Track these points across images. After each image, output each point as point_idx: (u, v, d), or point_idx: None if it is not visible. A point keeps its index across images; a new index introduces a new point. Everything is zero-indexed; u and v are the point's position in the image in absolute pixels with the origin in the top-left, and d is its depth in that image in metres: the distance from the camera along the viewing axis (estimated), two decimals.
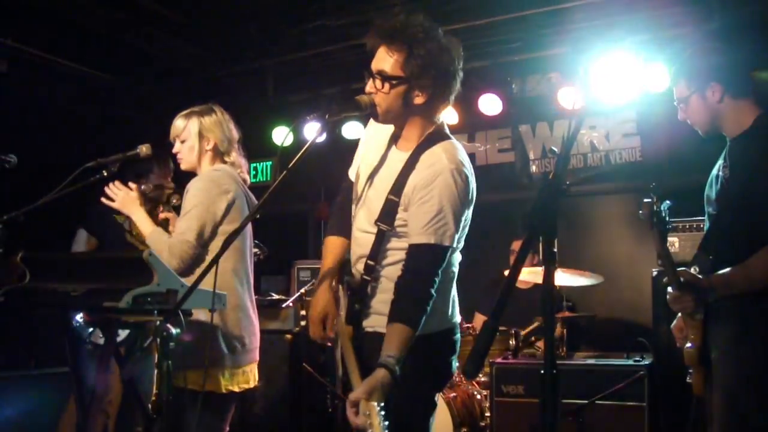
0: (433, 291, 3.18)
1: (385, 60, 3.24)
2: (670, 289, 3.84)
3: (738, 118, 3.80)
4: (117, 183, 4.54)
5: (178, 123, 4.62)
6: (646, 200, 3.84)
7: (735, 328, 3.65)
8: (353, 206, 3.54)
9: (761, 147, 3.65)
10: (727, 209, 3.71)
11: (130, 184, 4.59)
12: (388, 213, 3.31)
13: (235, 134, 4.73)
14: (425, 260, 3.21)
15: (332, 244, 3.62)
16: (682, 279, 3.74)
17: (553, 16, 7.33)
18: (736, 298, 3.61)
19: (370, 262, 3.35)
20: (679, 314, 3.95)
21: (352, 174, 3.65)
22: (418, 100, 3.29)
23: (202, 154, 4.60)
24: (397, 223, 3.30)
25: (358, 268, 3.41)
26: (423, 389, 3.40)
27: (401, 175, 3.33)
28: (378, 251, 3.33)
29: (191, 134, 4.58)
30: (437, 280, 3.21)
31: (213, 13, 7.62)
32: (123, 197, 4.52)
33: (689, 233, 6.15)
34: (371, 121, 3.50)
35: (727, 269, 3.63)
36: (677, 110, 3.97)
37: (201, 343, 4.03)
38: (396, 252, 3.32)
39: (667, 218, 3.87)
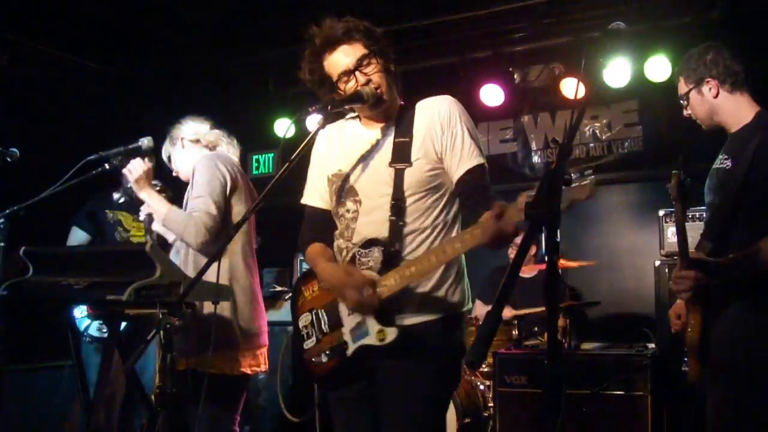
0: None
1: (354, 50, 3.38)
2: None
3: (736, 112, 3.88)
4: (139, 159, 4.53)
5: (164, 151, 4.77)
6: (674, 171, 3.86)
7: (736, 316, 3.66)
8: (339, 207, 3.50)
9: (764, 138, 3.67)
10: (729, 197, 3.72)
11: (147, 160, 4.59)
12: (401, 153, 3.36)
13: (203, 129, 4.80)
14: (484, 177, 3.36)
15: (318, 248, 3.57)
16: (690, 257, 3.76)
17: (554, 7, 7.33)
18: (738, 284, 3.62)
19: (397, 202, 3.32)
20: (678, 300, 3.98)
21: (313, 200, 3.64)
22: (396, 70, 3.49)
23: (192, 155, 4.66)
24: (413, 157, 3.34)
25: (374, 253, 3.33)
26: (453, 364, 3.43)
27: (400, 129, 3.42)
28: (402, 191, 3.33)
29: (177, 150, 4.71)
30: None
31: (214, 6, 7.61)
32: (141, 175, 4.50)
33: (691, 222, 6.13)
34: (317, 142, 3.65)
35: (733, 254, 3.65)
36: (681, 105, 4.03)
37: (216, 328, 4.05)
38: (419, 188, 3.34)
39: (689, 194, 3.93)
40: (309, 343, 3.49)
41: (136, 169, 4.49)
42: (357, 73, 3.36)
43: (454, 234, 3.40)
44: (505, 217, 2.82)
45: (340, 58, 3.38)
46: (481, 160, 3.36)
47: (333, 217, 3.56)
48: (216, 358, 4.11)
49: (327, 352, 3.42)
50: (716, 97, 3.87)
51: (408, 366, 3.26)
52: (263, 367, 4.49)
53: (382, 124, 3.48)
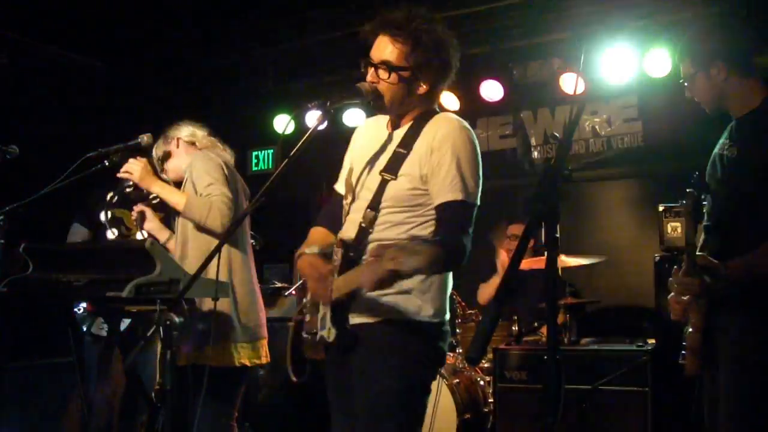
0: (468, 244, 3.21)
1: (389, 50, 3.30)
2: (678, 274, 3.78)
3: (744, 96, 3.72)
4: (131, 159, 4.52)
5: (154, 153, 4.75)
6: (689, 190, 3.76)
7: (747, 316, 3.62)
8: (348, 204, 3.52)
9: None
10: (736, 190, 3.65)
11: (139, 157, 4.58)
12: (394, 164, 3.35)
13: (192, 130, 4.83)
14: (458, 215, 3.24)
15: (318, 232, 3.61)
16: (698, 263, 3.68)
17: (554, 2, 7.32)
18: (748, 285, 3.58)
19: (370, 212, 3.33)
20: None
21: (339, 187, 3.65)
22: (421, 90, 3.36)
23: (185, 154, 4.68)
24: (400, 172, 3.31)
25: (338, 253, 3.36)
26: (419, 372, 3.39)
27: (405, 139, 3.39)
28: (379, 201, 3.33)
29: (175, 147, 4.74)
30: (470, 236, 3.25)
31: (213, 1, 7.61)
32: (142, 171, 4.51)
33: None
34: (358, 129, 3.66)
35: (742, 257, 3.55)
36: (682, 90, 3.92)
37: (215, 321, 4.06)
38: (396, 203, 3.31)
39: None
40: (306, 318, 3.53)
41: (133, 169, 4.50)
42: (373, 69, 3.34)
43: None
44: (381, 257, 2.82)
45: (376, 46, 3.34)
46: (459, 197, 3.24)
47: None
48: (216, 351, 4.13)
49: (310, 331, 3.46)
50: (725, 80, 3.70)
51: (356, 363, 3.31)
52: (264, 360, 4.51)
53: (400, 128, 3.46)
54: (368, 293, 3.19)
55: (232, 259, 4.40)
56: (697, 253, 3.71)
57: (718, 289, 3.59)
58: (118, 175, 4.55)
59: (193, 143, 4.74)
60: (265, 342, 4.54)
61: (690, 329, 3.76)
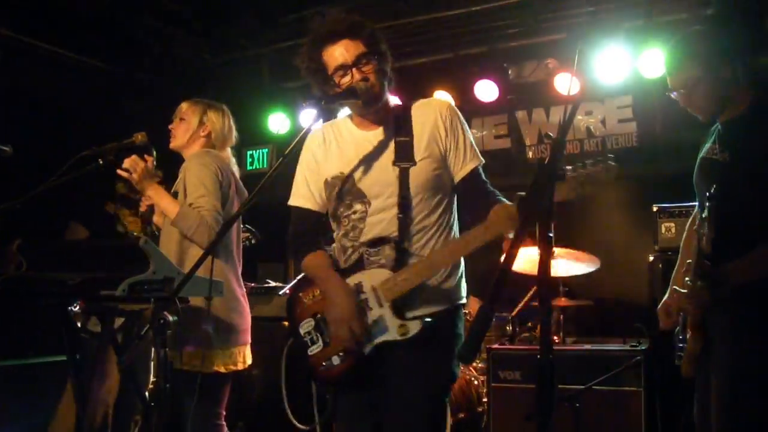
0: None
1: (355, 47, 3.41)
2: (687, 279, 3.78)
3: (736, 100, 3.74)
4: (135, 156, 4.49)
5: (185, 104, 4.68)
6: (710, 203, 3.71)
7: (736, 315, 3.64)
8: (340, 209, 3.54)
9: (765, 130, 3.62)
10: (731, 194, 3.65)
11: (146, 156, 4.53)
12: (404, 152, 3.44)
13: (232, 139, 4.78)
14: (485, 177, 3.54)
15: (321, 258, 3.59)
16: (704, 271, 3.68)
17: (549, 2, 7.33)
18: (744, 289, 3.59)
19: (403, 201, 3.40)
20: (666, 298, 4.00)
21: (307, 201, 3.64)
22: (389, 74, 3.53)
23: (196, 138, 4.63)
24: (417, 157, 3.43)
25: (384, 251, 3.40)
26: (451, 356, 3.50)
27: (399, 127, 3.49)
28: (407, 190, 3.40)
29: (192, 116, 4.63)
30: None
31: (209, 1, 7.60)
32: (142, 170, 4.45)
33: (685, 219, 6.14)
34: (310, 142, 3.66)
35: (741, 261, 3.58)
36: (675, 97, 3.91)
37: (190, 325, 4.04)
38: (426, 188, 3.43)
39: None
40: (314, 349, 3.50)
41: (134, 168, 4.44)
42: (354, 70, 3.39)
43: (455, 232, 3.55)
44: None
45: (340, 52, 3.40)
46: (482, 160, 3.53)
47: (331, 219, 3.61)
48: (187, 355, 4.11)
49: (340, 355, 3.43)
50: (731, 81, 3.71)
51: (427, 355, 3.36)
52: (240, 366, 4.46)
53: (377, 125, 3.53)
54: (432, 281, 3.39)
55: (214, 263, 4.32)
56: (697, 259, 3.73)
57: (721, 295, 3.61)
58: (118, 171, 4.50)
59: (209, 138, 4.69)
60: (244, 348, 4.50)
61: (688, 333, 3.77)
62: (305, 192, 3.63)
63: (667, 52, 3.94)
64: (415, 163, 3.41)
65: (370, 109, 3.47)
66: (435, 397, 3.43)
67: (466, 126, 3.55)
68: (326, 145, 3.62)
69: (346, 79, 3.40)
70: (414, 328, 3.29)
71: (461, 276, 3.57)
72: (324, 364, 3.47)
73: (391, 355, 3.36)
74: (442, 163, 3.47)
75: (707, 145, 3.83)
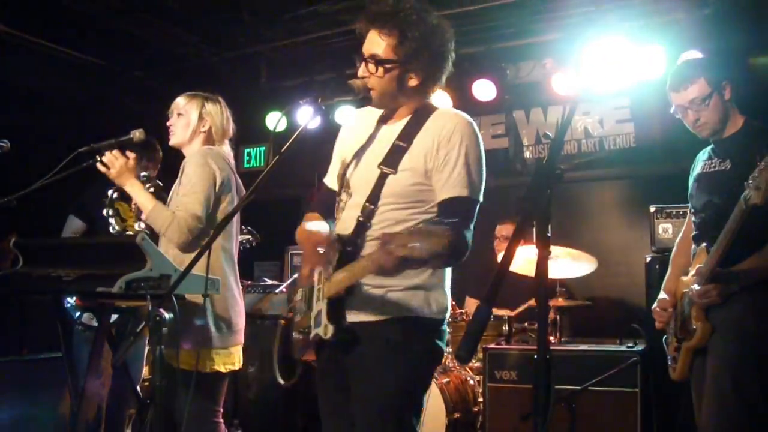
0: (470, 239, 3.17)
1: (377, 44, 3.23)
2: (695, 286, 3.87)
3: (733, 119, 3.98)
4: (116, 152, 4.46)
5: (180, 99, 4.63)
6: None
7: (738, 309, 3.72)
8: (343, 200, 3.46)
9: (760, 144, 3.73)
10: (732, 199, 3.71)
11: (128, 153, 4.50)
12: (393, 157, 3.29)
13: (230, 130, 4.75)
14: (463, 211, 3.20)
15: (315, 216, 3.55)
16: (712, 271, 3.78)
17: (547, 2, 7.33)
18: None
19: (369, 205, 3.27)
20: (661, 296, 4.15)
21: (330, 181, 3.59)
22: (412, 82, 3.30)
23: (196, 133, 4.60)
24: (401, 167, 3.26)
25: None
26: (421, 371, 3.37)
27: (404, 132, 3.33)
28: (378, 195, 3.27)
29: (191, 112, 4.59)
30: (472, 231, 3.21)
31: None
32: (121, 166, 4.41)
33: (682, 219, 6.14)
34: (347, 121, 3.57)
35: (750, 261, 3.73)
36: (680, 114, 4.03)
37: (190, 323, 4.03)
38: (397, 199, 3.26)
39: None
40: (298, 317, 3.48)
41: (112, 163, 4.41)
42: (364, 63, 3.28)
43: None
44: (389, 244, 2.74)
45: (366, 40, 3.28)
46: (464, 193, 3.21)
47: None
48: (186, 355, 4.10)
49: (301, 330, 3.41)
50: (728, 100, 3.93)
51: (354, 362, 3.27)
52: (237, 365, 4.45)
53: (394, 121, 3.42)
54: (372, 291, 3.21)
55: (212, 261, 4.30)
56: (696, 260, 3.84)
57: (730, 293, 3.71)
58: (97, 166, 4.47)
59: (209, 131, 4.67)
60: (240, 348, 4.49)
61: (697, 336, 3.85)
62: (332, 171, 3.58)
63: (675, 71, 4.08)
64: (395, 172, 3.25)
65: (375, 106, 3.41)
66: (378, 407, 3.23)
67: (469, 151, 3.23)
68: (355, 127, 3.55)
69: (359, 66, 3.31)
70: (330, 331, 3.14)
71: (429, 289, 3.29)
72: (293, 333, 3.47)
73: (347, 349, 3.27)
74: (424, 178, 3.24)
75: (702, 162, 3.99)
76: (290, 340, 3.51)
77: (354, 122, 3.61)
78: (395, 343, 3.22)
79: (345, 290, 3.17)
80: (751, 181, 3.35)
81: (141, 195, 4.38)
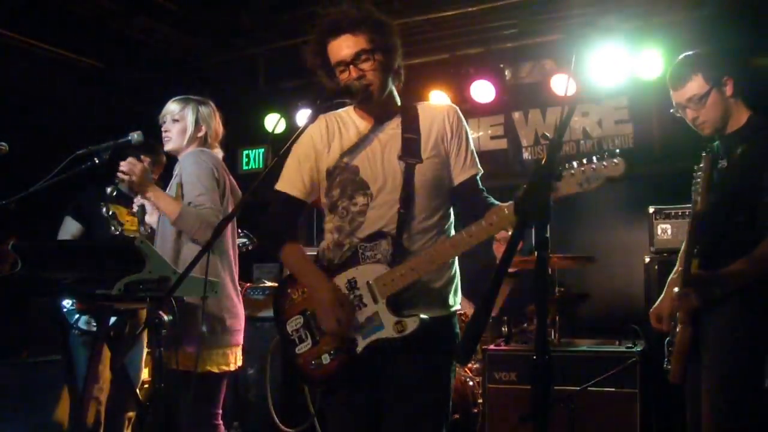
0: None
1: (355, 42, 3.32)
2: (676, 289, 3.86)
3: (737, 114, 3.87)
4: (132, 158, 4.43)
5: (174, 105, 4.62)
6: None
7: (731, 312, 3.68)
8: (342, 200, 3.43)
9: (763, 145, 3.70)
10: (726, 196, 3.70)
11: (143, 157, 4.49)
12: (410, 149, 3.39)
13: (221, 131, 4.74)
14: (481, 185, 3.50)
15: (297, 250, 3.54)
16: (699, 275, 3.74)
17: (546, 4, 7.34)
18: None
19: (406, 196, 3.34)
20: (658, 302, 4.08)
21: (294, 188, 3.50)
22: (395, 70, 3.46)
23: (193, 139, 4.59)
24: (424, 155, 3.40)
25: (381, 246, 3.32)
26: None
27: (406, 125, 3.45)
28: (411, 186, 3.35)
29: (187, 117, 4.59)
30: None
31: (205, 1, 7.60)
32: (142, 173, 4.37)
33: (681, 220, 6.15)
34: (314, 129, 3.53)
35: (736, 264, 3.65)
36: (678, 110, 3.98)
37: (184, 324, 4.02)
38: (428, 188, 3.38)
39: None
40: (303, 347, 3.42)
41: (133, 171, 4.38)
42: (352, 66, 3.32)
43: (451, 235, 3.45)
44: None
45: (341, 47, 3.33)
46: (480, 170, 3.50)
47: (327, 211, 3.51)
48: (182, 355, 4.09)
49: (330, 353, 3.36)
50: (732, 96, 3.83)
51: (428, 359, 3.32)
52: (233, 367, 4.42)
53: (382, 119, 3.47)
54: (434, 284, 3.35)
55: (210, 263, 4.28)
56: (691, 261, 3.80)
57: (714, 298, 3.66)
58: (118, 174, 4.44)
59: (204, 135, 4.65)
60: (237, 349, 4.47)
61: (679, 334, 3.81)
62: (295, 178, 3.50)
63: (673, 69, 4.00)
64: (421, 161, 3.36)
65: (368, 106, 3.43)
66: (440, 402, 3.38)
67: (470, 134, 3.53)
68: (329, 134, 3.52)
69: (344, 76, 3.34)
70: (411, 325, 3.20)
71: (457, 285, 3.49)
72: (313, 363, 3.39)
73: (390, 358, 3.30)
74: (446, 164, 3.43)
75: (702, 165, 3.92)
76: (305, 373, 3.46)
77: (318, 132, 3.53)
78: (453, 338, 3.46)
79: (408, 287, 3.25)
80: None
81: (165, 199, 4.35)
